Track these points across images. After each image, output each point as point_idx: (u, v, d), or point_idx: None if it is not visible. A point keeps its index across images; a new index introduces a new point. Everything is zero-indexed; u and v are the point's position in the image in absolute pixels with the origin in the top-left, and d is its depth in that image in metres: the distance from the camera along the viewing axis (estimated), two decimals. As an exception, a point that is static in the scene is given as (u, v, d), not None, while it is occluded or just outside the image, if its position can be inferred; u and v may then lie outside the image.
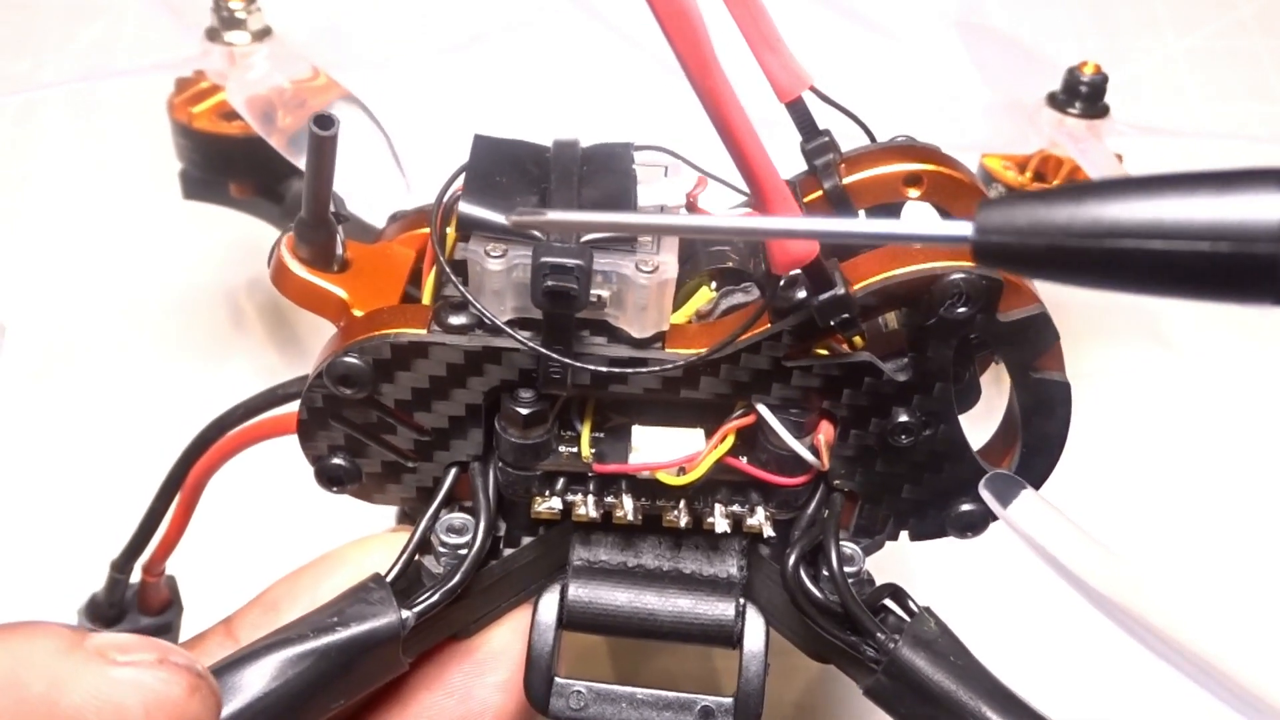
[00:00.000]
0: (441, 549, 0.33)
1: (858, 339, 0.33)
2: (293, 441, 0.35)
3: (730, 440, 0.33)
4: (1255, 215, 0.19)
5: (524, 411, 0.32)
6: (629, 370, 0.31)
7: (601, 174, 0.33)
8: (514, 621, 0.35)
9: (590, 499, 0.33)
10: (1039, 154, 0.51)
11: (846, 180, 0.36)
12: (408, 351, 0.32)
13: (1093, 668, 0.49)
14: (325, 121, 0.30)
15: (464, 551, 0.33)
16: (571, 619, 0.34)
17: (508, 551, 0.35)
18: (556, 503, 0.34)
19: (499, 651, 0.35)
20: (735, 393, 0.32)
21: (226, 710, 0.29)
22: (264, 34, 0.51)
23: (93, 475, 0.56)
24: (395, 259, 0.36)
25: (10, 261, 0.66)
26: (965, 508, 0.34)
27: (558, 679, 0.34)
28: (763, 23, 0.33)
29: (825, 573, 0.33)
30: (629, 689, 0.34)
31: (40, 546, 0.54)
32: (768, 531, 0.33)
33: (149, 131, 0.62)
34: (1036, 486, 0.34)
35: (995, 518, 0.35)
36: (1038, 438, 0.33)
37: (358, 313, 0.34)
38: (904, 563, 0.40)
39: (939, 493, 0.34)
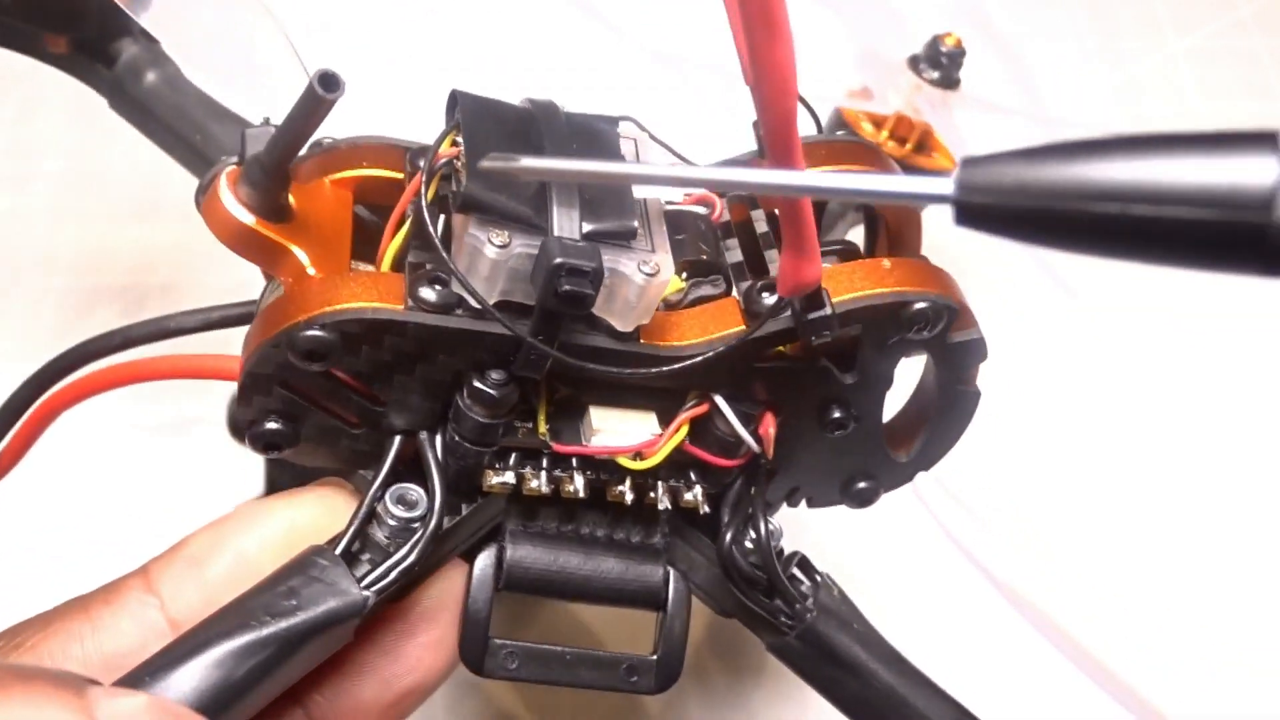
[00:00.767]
0: (390, 520, 0.33)
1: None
2: (182, 391, 0.32)
3: (686, 428, 0.34)
4: (1243, 180, 0.18)
5: (495, 393, 0.32)
6: (623, 373, 0.31)
7: (593, 152, 0.32)
8: (442, 580, 0.35)
9: (543, 474, 0.34)
10: (896, 115, 0.55)
11: (798, 170, 0.37)
12: (384, 329, 0.30)
13: (973, 637, 0.52)
14: (330, 82, 0.27)
15: (415, 525, 0.32)
16: (509, 581, 0.35)
17: (449, 521, 0.34)
18: (509, 477, 0.34)
19: (430, 611, 0.35)
20: (697, 384, 0.33)
21: (183, 703, 0.28)
22: None
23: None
24: (333, 205, 0.33)
25: None
26: (862, 485, 0.38)
27: (493, 640, 0.35)
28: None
29: (749, 544, 0.36)
30: (559, 648, 0.35)
31: None
32: (705, 509, 0.36)
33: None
34: (927, 469, 0.38)
35: (885, 492, 0.39)
36: (941, 434, 0.37)
37: (313, 273, 0.31)
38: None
39: (848, 473, 0.38)
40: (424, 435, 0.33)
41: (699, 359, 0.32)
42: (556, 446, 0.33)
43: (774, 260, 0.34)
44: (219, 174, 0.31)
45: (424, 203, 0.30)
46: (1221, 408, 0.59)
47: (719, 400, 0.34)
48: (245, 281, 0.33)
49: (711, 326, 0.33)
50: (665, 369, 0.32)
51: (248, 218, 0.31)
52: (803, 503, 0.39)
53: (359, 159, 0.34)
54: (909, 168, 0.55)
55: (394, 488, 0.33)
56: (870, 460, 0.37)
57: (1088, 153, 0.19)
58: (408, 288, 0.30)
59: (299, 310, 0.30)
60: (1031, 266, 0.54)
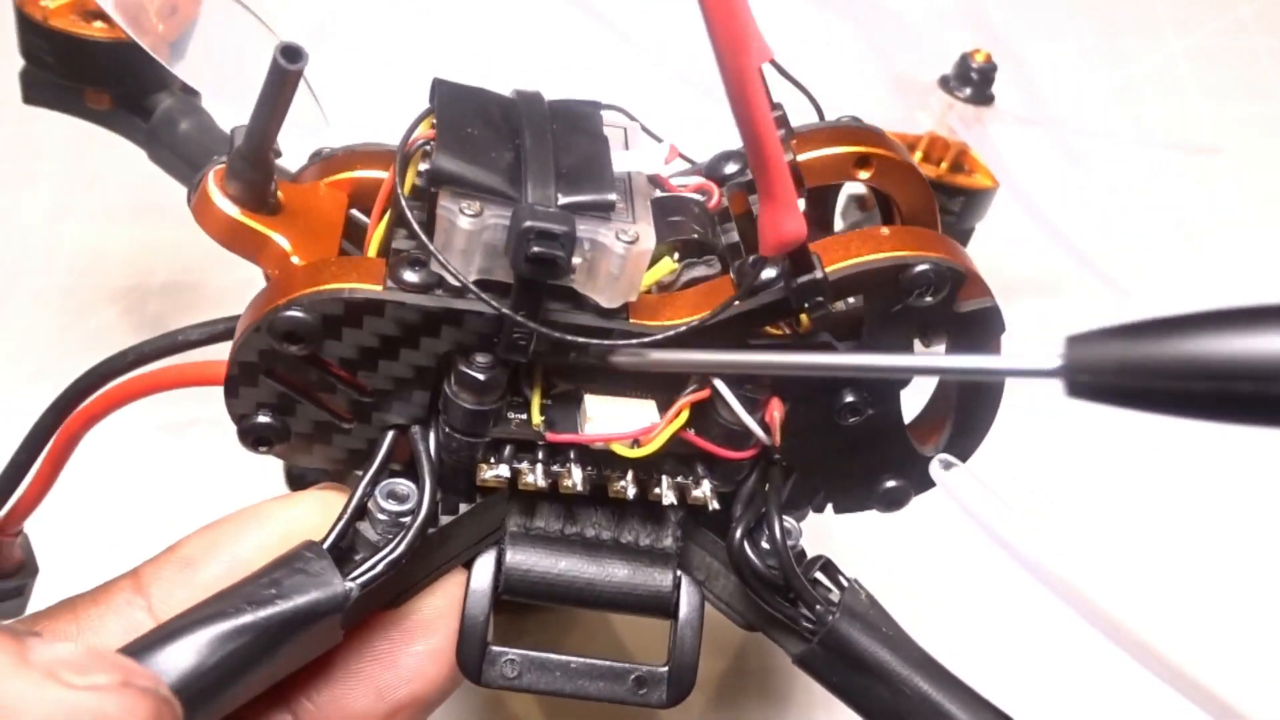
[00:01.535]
0: (381, 515, 0.32)
1: (804, 319, 0.33)
2: (182, 396, 0.32)
3: (685, 414, 0.33)
4: None
5: (481, 377, 0.31)
6: (604, 344, 0.30)
7: (574, 135, 0.31)
8: (445, 589, 0.34)
9: (539, 468, 0.33)
10: (928, 135, 0.53)
11: (799, 158, 0.36)
12: (362, 309, 0.30)
13: (1012, 640, 0.51)
14: (293, 54, 0.27)
15: (406, 519, 0.31)
16: (508, 586, 0.34)
17: (445, 520, 0.33)
18: (504, 470, 0.33)
19: (429, 619, 0.33)
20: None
21: None
22: (133, -75, 0.45)
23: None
24: (328, 202, 0.34)
25: None
26: (891, 484, 0.36)
27: (491, 647, 0.33)
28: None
29: (766, 545, 0.34)
30: (563, 657, 0.34)
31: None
32: (713, 505, 0.34)
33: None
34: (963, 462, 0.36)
35: (916, 494, 0.36)
36: (968, 420, 0.35)
37: (296, 260, 0.31)
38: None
39: (871, 469, 0.35)
40: (416, 429, 0.32)
41: (685, 328, 0.31)
42: (549, 436, 0.32)
43: None
44: (207, 173, 0.31)
45: (398, 183, 0.30)
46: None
47: (718, 384, 0.32)
48: (247, 281, 0.33)
49: (704, 305, 0.32)
50: (650, 339, 0.30)
51: (233, 210, 0.31)
52: (830, 508, 0.37)
53: (354, 163, 0.35)
54: (945, 187, 0.53)
55: (385, 483, 0.32)
56: (895, 454, 0.35)
57: (1184, 330, 0.20)
58: (388, 270, 0.30)
59: (281, 295, 0.30)
60: (1083, 275, 0.52)
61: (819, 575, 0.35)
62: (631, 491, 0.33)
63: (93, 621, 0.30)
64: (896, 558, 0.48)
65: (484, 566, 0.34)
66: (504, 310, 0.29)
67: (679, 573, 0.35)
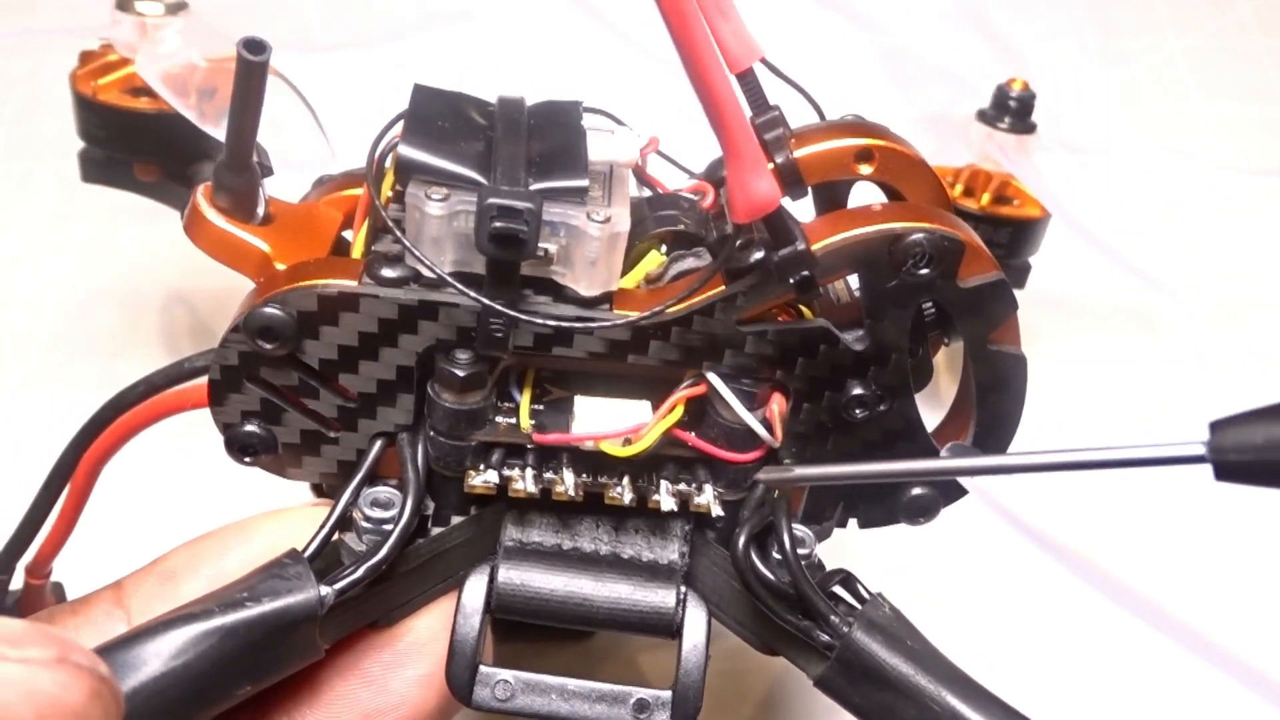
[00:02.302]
0: (365, 524, 0.31)
1: (806, 311, 0.32)
2: (200, 420, 0.32)
3: (679, 410, 0.31)
4: None
5: (460, 373, 0.30)
6: (576, 326, 0.29)
7: (550, 127, 0.31)
8: (439, 610, 0.32)
9: (529, 473, 0.31)
10: (969, 168, 0.52)
11: (797, 154, 0.35)
12: (336, 304, 0.29)
13: (1050, 656, 0.47)
14: (256, 46, 0.28)
15: (389, 526, 0.30)
16: (500, 603, 0.32)
17: (436, 531, 0.32)
18: (492, 475, 0.31)
19: (422, 642, 0.32)
20: (685, 360, 0.31)
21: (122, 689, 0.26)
22: (178, 7, 0.48)
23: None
24: (321, 218, 0.34)
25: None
26: (917, 492, 0.33)
27: (483, 667, 0.31)
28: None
29: (776, 555, 0.31)
30: (559, 679, 0.32)
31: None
32: (716, 511, 0.32)
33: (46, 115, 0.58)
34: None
35: (946, 504, 0.34)
36: (993, 413, 0.32)
37: (280, 266, 0.31)
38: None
39: None
40: (404, 435, 0.32)
41: (662, 308, 0.29)
42: (536, 437, 0.31)
43: None
44: (196, 190, 0.32)
45: (370, 178, 0.30)
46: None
47: (712, 377, 0.31)
48: (248, 281, 0.33)
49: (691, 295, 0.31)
50: (623, 323, 0.29)
51: (220, 221, 0.31)
52: (853, 524, 0.34)
53: (350, 183, 0.35)
54: (988, 219, 0.51)
55: (370, 491, 0.31)
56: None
57: None
58: (365, 266, 0.30)
59: (261, 295, 0.30)
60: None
61: (838, 589, 0.32)
62: (628, 498, 0.31)
63: (70, 632, 0.30)
64: (926, 568, 0.44)
65: (476, 583, 0.32)
66: (477, 298, 0.29)
67: (684, 589, 0.32)
